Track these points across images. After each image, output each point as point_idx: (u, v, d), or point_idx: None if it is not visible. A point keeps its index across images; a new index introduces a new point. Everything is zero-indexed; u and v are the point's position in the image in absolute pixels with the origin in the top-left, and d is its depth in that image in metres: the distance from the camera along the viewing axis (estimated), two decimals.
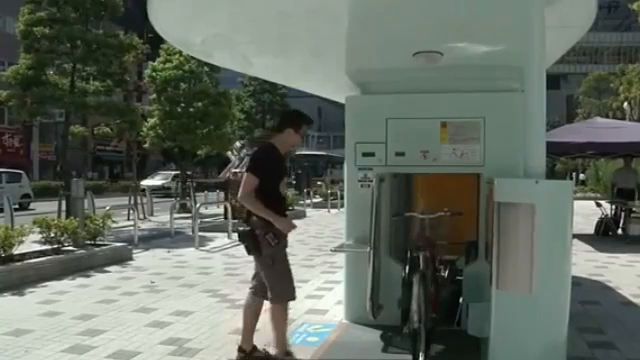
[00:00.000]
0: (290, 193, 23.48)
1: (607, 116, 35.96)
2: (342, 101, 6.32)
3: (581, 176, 38.93)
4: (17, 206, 17.94)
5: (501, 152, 5.45)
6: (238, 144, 38.04)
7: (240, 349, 4.82)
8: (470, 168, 5.65)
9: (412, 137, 5.73)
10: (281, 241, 4.63)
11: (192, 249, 11.82)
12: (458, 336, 5.12)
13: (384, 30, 4.72)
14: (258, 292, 4.81)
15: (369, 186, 5.64)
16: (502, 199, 4.00)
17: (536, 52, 4.06)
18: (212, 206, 19.89)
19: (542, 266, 3.83)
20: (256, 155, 4.81)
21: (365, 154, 5.86)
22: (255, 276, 4.90)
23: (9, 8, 32.40)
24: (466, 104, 5.69)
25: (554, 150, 12.61)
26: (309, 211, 22.57)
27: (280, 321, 4.64)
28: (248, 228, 4.59)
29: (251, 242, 4.59)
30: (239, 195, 4.53)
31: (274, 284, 4.62)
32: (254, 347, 4.83)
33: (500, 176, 4.29)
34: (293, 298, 4.71)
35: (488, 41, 4.98)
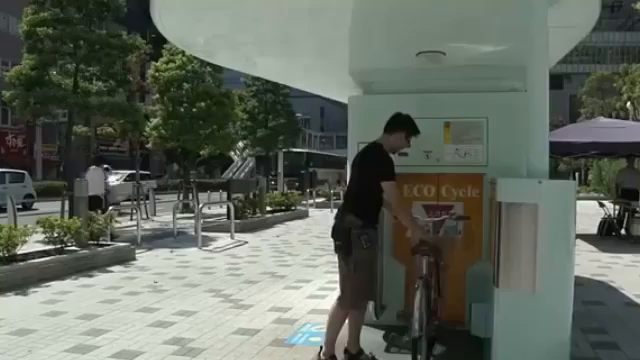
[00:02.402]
0: (295, 193, 23.51)
1: (610, 116, 35.91)
2: (345, 101, 6.31)
3: (590, 177, 38.80)
4: (20, 206, 17.99)
5: (504, 152, 5.45)
6: (241, 144, 38.12)
7: (345, 351, 4.78)
8: (473, 168, 5.64)
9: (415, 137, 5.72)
10: (373, 245, 4.59)
11: (195, 249, 11.83)
12: (461, 336, 5.12)
13: (387, 30, 4.73)
14: (343, 301, 4.70)
15: None
16: (505, 199, 4.00)
17: (539, 52, 4.05)
18: (215, 206, 19.89)
19: (545, 266, 3.82)
20: (383, 157, 4.62)
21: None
22: (342, 282, 4.80)
23: (13, 9, 32.51)
24: (469, 104, 5.68)
25: (557, 150, 12.58)
26: (312, 211, 22.58)
27: (354, 324, 4.68)
28: (346, 226, 4.55)
29: (345, 240, 4.55)
30: (394, 208, 4.76)
31: (354, 289, 4.58)
32: (360, 350, 4.78)
33: (503, 176, 4.28)
34: (365, 305, 4.81)
35: (491, 41, 4.97)
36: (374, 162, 4.61)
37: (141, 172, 31.47)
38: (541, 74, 4.07)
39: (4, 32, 37.81)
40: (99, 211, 11.93)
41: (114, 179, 24.48)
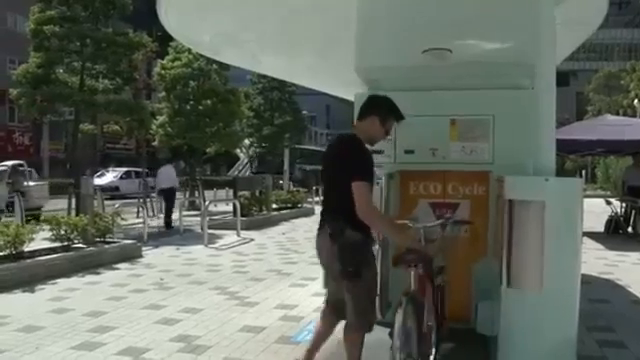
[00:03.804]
0: (301, 190, 23.52)
1: (617, 113, 35.74)
2: (351, 98, 6.31)
3: (599, 174, 38.62)
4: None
5: (510, 150, 5.43)
6: (247, 142, 38.16)
7: None
8: (479, 166, 5.63)
9: (421, 135, 5.71)
10: (374, 264, 3.97)
11: (201, 246, 11.84)
12: (467, 335, 5.11)
13: (393, 27, 4.72)
14: (338, 315, 4.03)
15: (378, 184, 5.64)
16: (512, 196, 3.99)
17: (546, 49, 4.04)
18: (221, 203, 19.92)
19: (552, 264, 3.81)
20: (357, 150, 3.79)
21: (374, 151, 5.83)
22: (333, 299, 4.07)
23: (20, 7, 32.57)
24: (475, 101, 5.67)
25: (564, 148, 12.56)
26: (317, 208, 22.57)
27: (358, 349, 3.96)
28: (345, 242, 3.69)
29: (350, 262, 3.69)
30: (361, 211, 3.60)
31: (361, 311, 3.82)
32: None
33: (510, 174, 4.27)
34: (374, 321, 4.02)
35: (498, 38, 4.96)
36: (347, 155, 3.78)
37: (138, 170, 31.54)
38: (548, 71, 4.06)
39: (11, 30, 37.91)
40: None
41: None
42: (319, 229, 3.90)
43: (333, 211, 3.84)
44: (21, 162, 18.69)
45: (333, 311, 4.07)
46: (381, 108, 3.98)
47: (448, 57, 5.15)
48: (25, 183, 17.26)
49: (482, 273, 5.40)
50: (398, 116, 4.04)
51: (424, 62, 5.26)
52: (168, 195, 16.10)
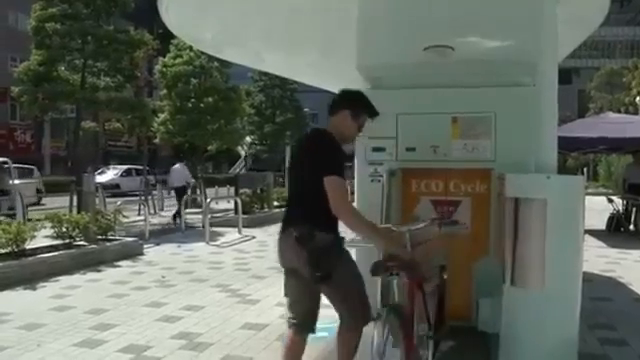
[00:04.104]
0: None
1: (619, 111, 35.67)
2: None
3: (601, 171, 38.55)
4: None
5: (512, 147, 5.41)
6: (248, 139, 38.16)
7: None
8: (481, 163, 5.62)
9: (423, 132, 5.71)
10: (351, 260, 3.66)
11: (203, 244, 11.86)
12: (468, 332, 5.11)
13: (395, 24, 4.70)
14: (304, 327, 3.71)
15: (379, 181, 5.64)
16: (513, 194, 3.98)
17: (548, 46, 4.02)
18: (223, 201, 19.93)
19: (553, 262, 3.80)
20: (328, 144, 3.52)
21: (375, 149, 5.85)
22: (296, 312, 3.69)
23: (21, 5, 32.60)
24: (477, 99, 5.66)
25: (565, 145, 12.54)
26: None
27: (348, 349, 3.68)
28: (315, 246, 3.38)
29: (321, 266, 3.39)
30: (336, 207, 3.32)
31: (357, 304, 3.59)
32: None
33: (511, 171, 4.26)
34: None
35: (500, 36, 4.94)
36: (317, 150, 3.51)
37: (138, 167, 31.54)
38: (550, 69, 4.04)
39: (12, 28, 37.95)
40: None
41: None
42: (282, 231, 3.55)
43: (301, 212, 3.50)
44: (5, 160, 18.12)
45: (298, 330, 3.69)
46: (353, 102, 3.74)
47: (450, 54, 5.14)
48: (10, 181, 16.87)
49: (483, 271, 5.39)
50: (371, 112, 3.79)
51: (426, 60, 5.25)
52: (180, 193, 16.72)
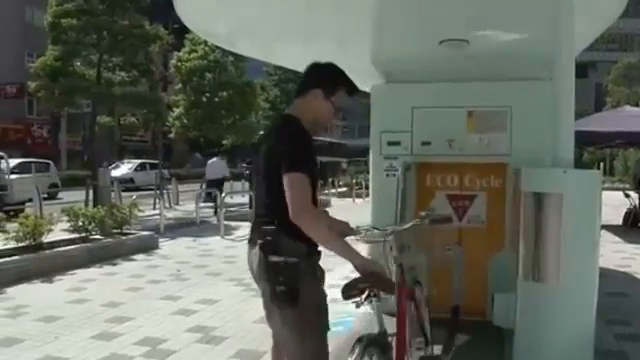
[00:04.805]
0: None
1: (637, 105, 35.27)
2: (367, 90, 6.29)
3: (620, 166, 38.13)
4: (46, 195, 18.18)
5: (528, 141, 5.38)
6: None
7: None
8: (496, 158, 5.60)
9: (438, 126, 5.69)
10: (322, 281, 2.89)
11: (217, 238, 11.90)
12: (483, 327, 5.09)
13: (410, 18, 4.68)
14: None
15: (394, 175, 5.63)
16: (529, 189, 3.96)
17: (565, 39, 3.99)
18: (237, 195, 19.99)
19: (569, 257, 3.78)
20: (292, 134, 2.79)
21: (390, 143, 5.83)
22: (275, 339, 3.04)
23: (37, 1, 32.81)
24: (493, 93, 5.63)
25: (582, 140, 12.43)
26: (334, 200, 22.58)
27: None
28: (280, 257, 2.70)
29: (288, 282, 2.67)
30: (294, 213, 2.63)
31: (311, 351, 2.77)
32: None
33: (527, 166, 4.24)
34: None
35: (516, 29, 4.90)
36: (279, 141, 2.81)
37: (152, 162, 31.67)
38: (567, 62, 4.01)
39: (29, 24, 38.21)
40: None
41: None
42: (249, 240, 2.95)
43: (265, 215, 2.84)
44: (1, 154, 17.89)
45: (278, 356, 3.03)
46: (324, 78, 2.98)
47: (465, 48, 5.11)
48: (6, 176, 16.80)
49: (499, 266, 5.38)
50: (350, 87, 3.03)
51: (441, 53, 5.22)
52: (217, 185, 17.44)
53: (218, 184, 17.69)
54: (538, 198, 3.88)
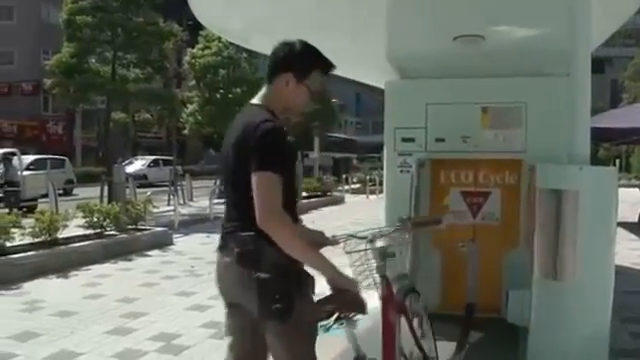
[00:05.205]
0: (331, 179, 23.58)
1: None
2: (381, 86, 6.27)
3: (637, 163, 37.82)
4: (61, 191, 18.32)
5: (544, 138, 5.35)
6: None
7: None
8: (511, 154, 5.56)
9: (452, 122, 5.67)
10: (312, 288, 2.57)
11: None
12: (497, 324, 5.07)
13: (425, 14, 4.66)
14: None
15: (408, 172, 5.61)
16: (544, 185, 3.93)
17: (582, 35, 3.95)
18: None
19: (585, 254, 3.75)
20: (260, 128, 2.42)
21: (404, 139, 5.82)
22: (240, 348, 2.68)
23: None
24: (508, 89, 5.60)
25: (597, 136, 12.32)
26: (347, 197, 22.58)
27: None
28: (269, 274, 2.39)
29: (285, 300, 2.39)
30: (262, 217, 2.35)
31: None
32: None
33: (542, 162, 4.21)
34: None
35: (532, 24, 4.86)
36: (247, 135, 2.46)
37: (165, 158, 31.81)
38: (583, 58, 3.97)
39: (45, 22, 38.51)
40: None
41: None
42: (219, 249, 2.67)
43: (237, 219, 2.54)
44: (13, 150, 18.20)
45: None
46: (296, 60, 2.61)
47: (480, 44, 5.08)
48: (18, 173, 17.02)
49: (513, 263, 5.35)
50: (325, 65, 2.70)
51: (456, 49, 5.19)
52: None
53: None
54: (553, 195, 3.85)
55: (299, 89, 2.59)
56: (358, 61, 6.58)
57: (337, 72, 8.27)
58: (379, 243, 3.17)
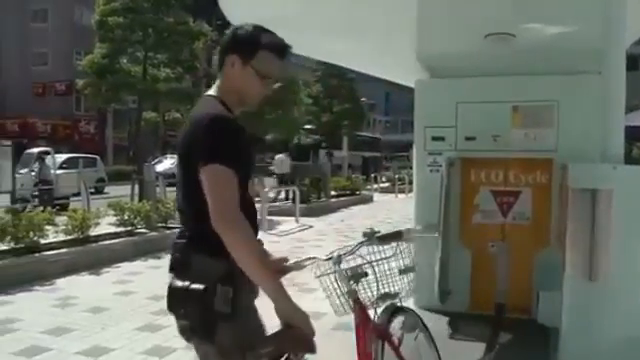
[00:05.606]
0: (358, 177, 23.55)
1: None
2: (410, 85, 6.24)
3: None
4: (93, 190, 18.59)
5: (576, 137, 5.27)
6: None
7: None
8: (542, 153, 5.50)
9: (483, 121, 5.62)
10: (251, 309, 2.33)
11: (261, 233, 11.90)
12: (528, 325, 5.01)
13: (455, 12, 4.62)
14: None
15: (438, 171, 5.58)
16: (577, 185, 3.87)
17: (615, 31, 3.88)
18: (281, 190, 20.14)
19: (619, 255, 3.69)
20: (208, 118, 2.14)
21: (435, 138, 5.78)
22: None
23: (86, 1, 33.62)
24: (539, 87, 5.53)
25: (632, 135, 12.09)
26: (376, 196, 22.52)
27: None
28: (184, 282, 2.16)
29: (196, 310, 2.13)
30: (215, 215, 2.04)
31: None
32: None
33: (575, 161, 4.15)
34: None
35: (564, 21, 4.80)
36: (195, 128, 2.17)
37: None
38: (617, 55, 3.90)
39: (78, 23, 39.13)
40: None
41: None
42: (174, 264, 2.35)
43: (183, 224, 2.33)
44: (47, 149, 18.55)
45: None
46: (240, 39, 2.30)
47: (511, 42, 5.02)
48: (52, 171, 17.31)
49: (544, 263, 5.28)
50: (274, 45, 2.34)
51: (486, 47, 5.15)
52: (283, 179, 19.35)
53: (284, 178, 19.24)
54: (587, 194, 3.79)
55: (246, 71, 2.26)
56: (388, 60, 6.56)
57: (367, 71, 8.29)
58: (349, 264, 2.82)
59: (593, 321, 3.82)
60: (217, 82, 2.34)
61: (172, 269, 2.25)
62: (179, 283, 2.15)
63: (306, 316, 2.21)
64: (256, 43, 2.28)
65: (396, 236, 3.18)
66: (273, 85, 2.36)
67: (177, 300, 2.17)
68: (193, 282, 2.10)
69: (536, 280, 5.38)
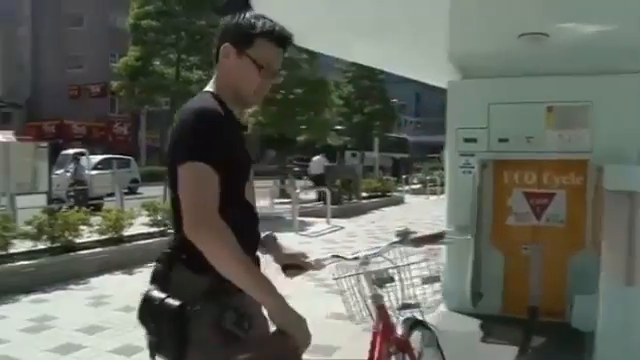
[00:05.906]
0: (389, 178, 23.52)
1: None
2: (442, 86, 6.20)
3: None
4: (126, 190, 18.84)
5: (612, 137, 5.17)
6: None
7: None
8: (577, 154, 5.41)
9: (516, 122, 5.56)
10: (241, 333, 1.91)
11: (292, 234, 12.00)
12: (561, 329, 4.94)
13: (488, 11, 4.58)
14: None
15: (470, 172, 5.53)
16: (613, 187, 3.80)
17: None
18: (311, 191, 20.17)
19: None
20: (193, 112, 1.97)
21: (467, 140, 5.73)
22: None
23: (120, 6, 34.14)
24: (574, 87, 5.44)
25: None
26: (407, 197, 22.41)
27: None
28: (161, 294, 1.92)
29: (166, 328, 1.86)
30: (188, 221, 1.84)
31: None
32: None
33: (611, 163, 4.07)
34: None
35: (600, 20, 4.71)
36: (180, 124, 1.99)
37: None
38: None
39: (113, 27, 39.76)
40: None
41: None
42: (156, 275, 2.13)
43: (174, 231, 2.13)
44: (82, 150, 19.05)
45: None
46: (234, 27, 2.09)
47: (545, 41, 4.95)
48: (86, 172, 17.69)
49: (579, 266, 5.20)
50: (271, 32, 2.08)
51: (520, 47, 5.08)
52: (319, 180, 19.56)
53: (319, 179, 19.45)
54: (623, 196, 3.72)
55: (242, 61, 2.03)
56: (419, 61, 6.53)
57: (398, 71, 8.25)
58: (374, 266, 2.66)
59: (631, 325, 3.75)
60: (214, 76, 2.12)
61: (153, 281, 2.00)
62: (155, 294, 1.90)
63: (301, 322, 2.02)
64: (251, 30, 2.04)
65: (434, 238, 3.08)
66: (273, 78, 2.10)
67: (149, 312, 1.91)
68: (170, 296, 1.85)
69: (570, 283, 5.30)
